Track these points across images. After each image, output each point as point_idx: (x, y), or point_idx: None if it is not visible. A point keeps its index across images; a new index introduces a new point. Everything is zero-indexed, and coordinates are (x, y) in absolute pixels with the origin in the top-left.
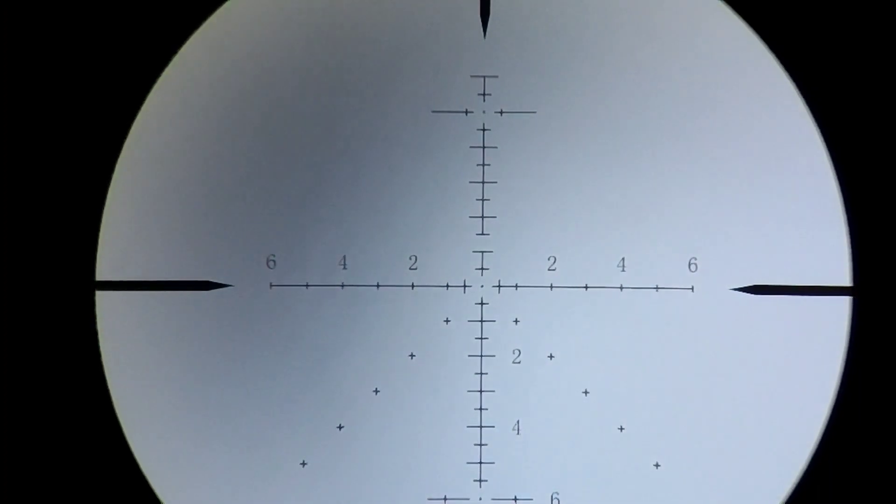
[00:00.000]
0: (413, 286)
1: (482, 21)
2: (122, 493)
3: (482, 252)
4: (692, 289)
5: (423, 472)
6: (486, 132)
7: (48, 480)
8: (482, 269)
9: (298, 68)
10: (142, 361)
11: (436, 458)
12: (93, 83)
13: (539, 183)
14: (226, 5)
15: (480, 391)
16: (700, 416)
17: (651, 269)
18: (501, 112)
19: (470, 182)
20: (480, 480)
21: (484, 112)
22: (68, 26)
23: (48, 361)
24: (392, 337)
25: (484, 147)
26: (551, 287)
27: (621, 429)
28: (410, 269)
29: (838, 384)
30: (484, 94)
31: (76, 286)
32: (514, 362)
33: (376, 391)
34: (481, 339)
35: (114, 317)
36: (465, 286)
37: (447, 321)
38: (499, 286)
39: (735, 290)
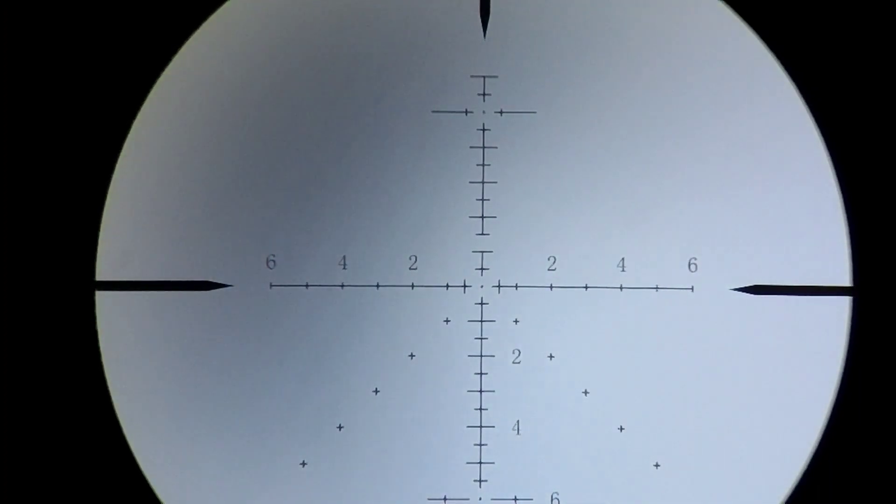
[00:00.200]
0: (413, 286)
1: (482, 21)
2: (122, 493)
3: (482, 252)
4: (692, 289)
5: (422, 472)
6: (486, 132)
7: (48, 480)
8: (482, 269)
9: (298, 68)
10: (142, 361)
11: (436, 458)
12: (93, 83)
13: (539, 183)
14: (226, 5)
15: (480, 391)
16: (700, 416)
17: (651, 269)
18: (501, 112)
19: (470, 182)
20: (480, 480)
21: (484, 112)
22: (68, 26)
23: (48, 361)
24: (392, 337)
25: (484, 147)
26: (551, 287)
27: (621, 429)
28: (410, 269)
29: (838, 384)
30: (484, 94)
31: (76, 286)
32: (513, 362)
33: (376, 391)
34: (481, 339)
35: (114, 317)
36: (465, 286)
37: (447, 321)
38: (499, 286)
39: (735, 290)
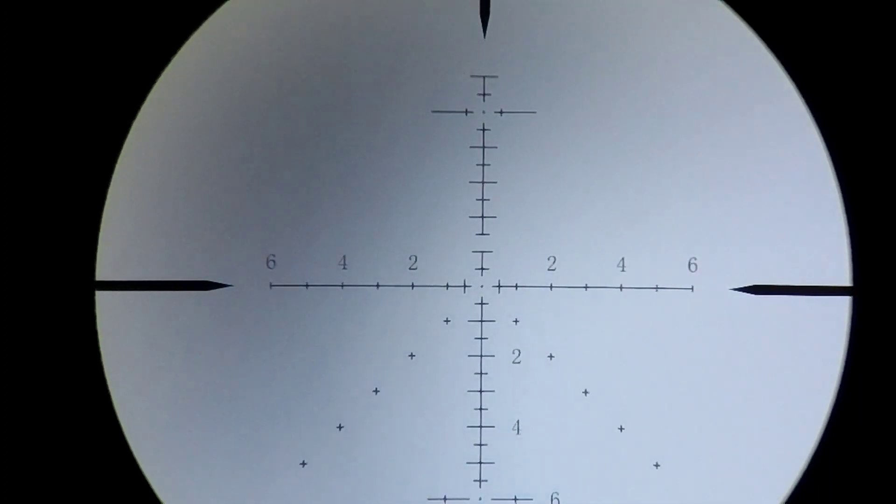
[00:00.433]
0: (413, 286)
1: (482, 21)
2: (122, 493)
3: (482, 252)
4: (692, 289)
5: (422, 472)
6: (486, 132)
7: (48, 480)
8: (482, 269)
9: (298, 68)
10: (142, 361)
11: (436, 458)
12: (93, 83)
13: (539, 183)
14: (226, 5)
15: (480, 391)
16: (700, 415)
17: (651, 269)
18: (501, 112)
19: (470, 182)
20: (480, 480)
21: (484, 112)
22: (68, 26)
23: (48, 361)
24: (392, 337)
25: (484, 147)
26: (551, 287)
27: (621, 429)
28: (410, 269)
29: (838, 384)
30: (484, 94)
31: (76, 286)
32: (513, 362)
33: (376, 391)
34: (481, 339)
35: (114, 317)
36: (464, 286)
37: (447, 321)
38: (499, 286)
39: (735, 290)
